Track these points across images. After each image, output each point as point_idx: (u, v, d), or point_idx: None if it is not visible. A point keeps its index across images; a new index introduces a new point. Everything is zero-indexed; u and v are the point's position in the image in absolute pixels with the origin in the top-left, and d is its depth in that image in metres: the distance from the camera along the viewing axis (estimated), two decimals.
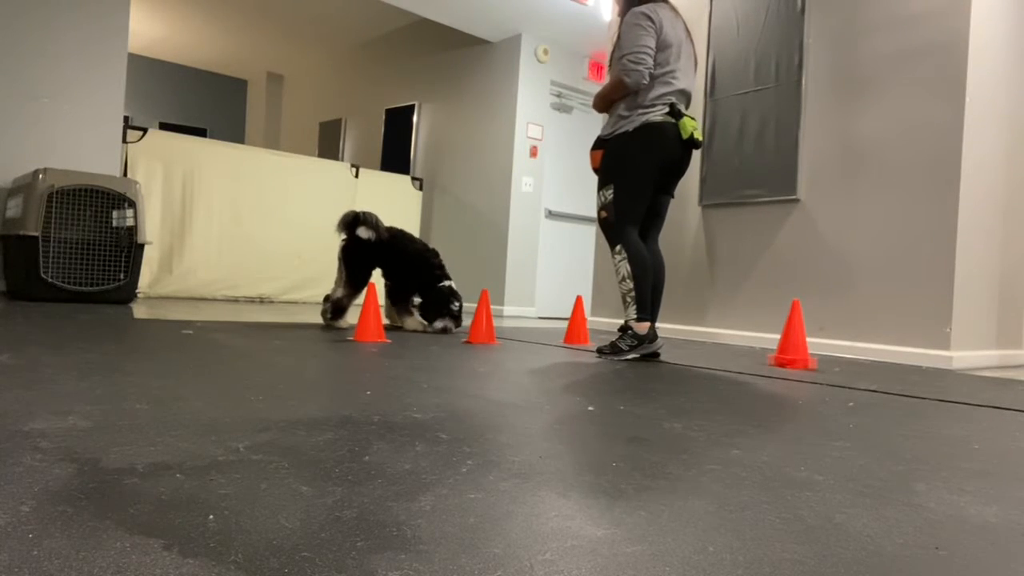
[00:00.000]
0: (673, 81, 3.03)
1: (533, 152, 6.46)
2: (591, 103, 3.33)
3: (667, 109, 3.02)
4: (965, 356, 3.41)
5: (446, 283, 3.66)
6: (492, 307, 3.50)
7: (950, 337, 3.34)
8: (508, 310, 6.34)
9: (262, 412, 1.35)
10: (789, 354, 2.93)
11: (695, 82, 3.21)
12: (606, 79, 3.22)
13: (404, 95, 7.55)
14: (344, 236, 3.68)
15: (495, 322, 3.81)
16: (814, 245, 3.89)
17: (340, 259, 3.66)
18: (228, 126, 10.40)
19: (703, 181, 4.41)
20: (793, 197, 3.96)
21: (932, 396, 2.22)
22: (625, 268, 3.00)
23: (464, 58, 6.85)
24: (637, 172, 3.04)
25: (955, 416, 1.86)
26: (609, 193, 3.07)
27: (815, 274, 3.87)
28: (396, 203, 6.72)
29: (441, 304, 3.62)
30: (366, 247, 3.64)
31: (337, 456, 1.06)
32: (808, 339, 3.02)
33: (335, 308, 3.59)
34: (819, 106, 3.89)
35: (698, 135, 3.02)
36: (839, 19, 3.84)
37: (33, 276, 4.11)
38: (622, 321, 3.05)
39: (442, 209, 7.00)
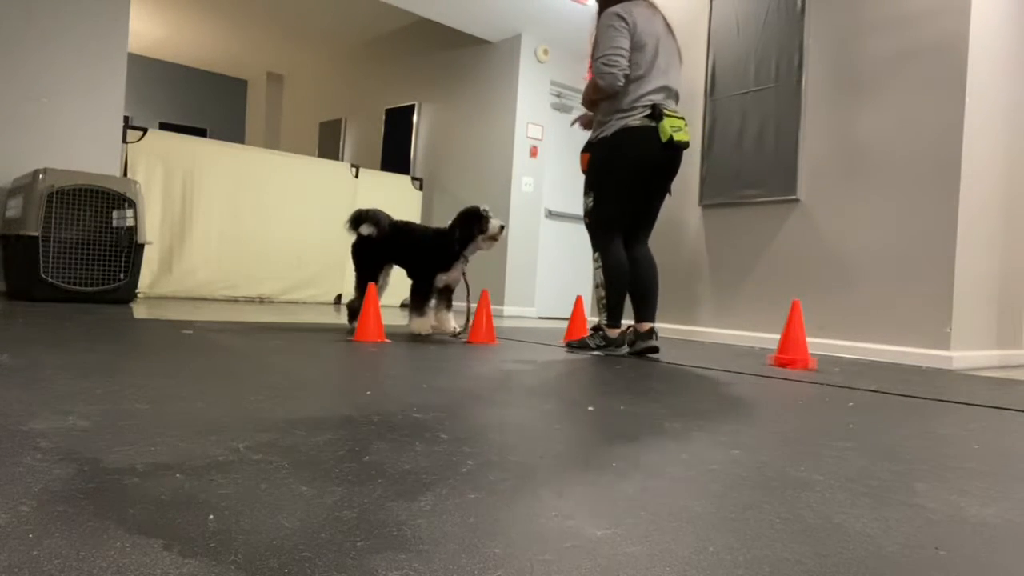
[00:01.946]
0: (651, 80, 3.00)
1: (533, 152, 6.46)
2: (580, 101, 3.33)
3: (648, 111, 2.97)
4: (965, 356, 3.41)
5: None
6: (492, 307, 3.48)
7: (950, 337, 3.34)
8: (508, 310, 6.34)
9: (262, 412, 1.35)
10: (789, 354, 2.93)
11: (680, 76, 3.17)
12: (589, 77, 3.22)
13: (404, 95, 7.55)
14: (354, 236, 3.55)
15: (495, 322, 3.81)
16: (814, 245, 3.89)
17: (352, 260, 3.56)
18: (228, 126, 10.40)
19: (703, 181, 4.40)
20: (793, 197, 3.96)
21: (932, 396, 2.22)
22: (599, 276, 3.08)
23: (464, 58, 6.85)
24: (615, 178, 3.05)
25: (955, 416, 1.86)
26: (590, 200, 3.12)
27: (815, 274, 3.87)
28: (396, 203, 6.70)
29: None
30: (372, 244, 3.51)
31: (337, 456, 1.06)
32: (808, 339, 3.02)
33: (351, 312, 3.52)
34: (819, 106, 3.89)
35: (680, 136, 2.95)
36: (839, 19, 3.84)
37: (33, 276, 4.11)
38: (626, 328, 3.17)
39: (442, 209, 7.00)
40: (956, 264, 3.36)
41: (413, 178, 6.94)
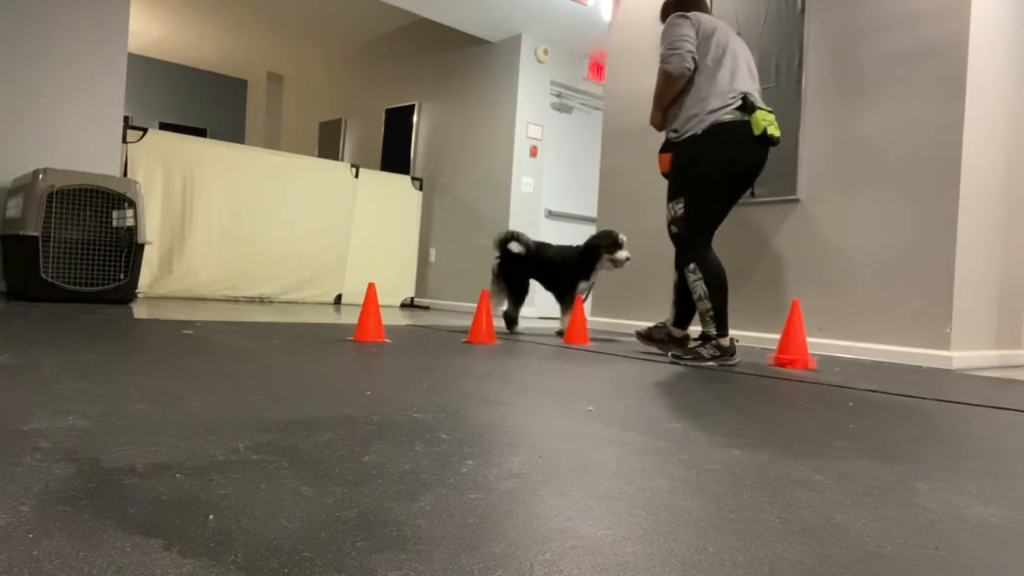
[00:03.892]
0: (736, 73, 2.85)
1: (533, 152, 6.46)
2: (649, 120, 3.08)
3: (739, 103, 2.80)
4: (965, 356, 3.40)
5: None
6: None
7: (950, 337, 3.34)
8: None
9: (262, 412, 1.35)
10: (789, 354, 2.93)
11: (755, 86, 3.01)
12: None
13: (404, 95, 7.55)
14: (498, 254, 4.02)
15: (495, 322, 3.81)
16: (814, 245, 3.89)
17: (497, 275, 4.06)
18: (228, 126, 10.39)
19: None
20: (793, 197, 3.95)
21: (932, 396, 2.22)
22: (701, 288, 2.85)
23: (464, 58, 6.85)
24: (709, 182, 2.85)
25: (955, 416, 1.86)
26: (679, 207, 2.89)
27: (815, 274, 3.87)
28: (396, 203, 6.72)
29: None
30: (519, 261, 3.99)
31: (337, 456, 1.06)
32: (808, 339, 3.02)
33: (507, 320, 4.08)
34: (819, 106, 3.89)
35: (773, 130, 2.77)
36: (839, 19, 3.84)
37: (33, 276, 4.10)
38: (661, 325, 3.25)
39: (442, 209, 7.00)
40: (956, 264, 3.36)
41: (413, 178, 6.94)
